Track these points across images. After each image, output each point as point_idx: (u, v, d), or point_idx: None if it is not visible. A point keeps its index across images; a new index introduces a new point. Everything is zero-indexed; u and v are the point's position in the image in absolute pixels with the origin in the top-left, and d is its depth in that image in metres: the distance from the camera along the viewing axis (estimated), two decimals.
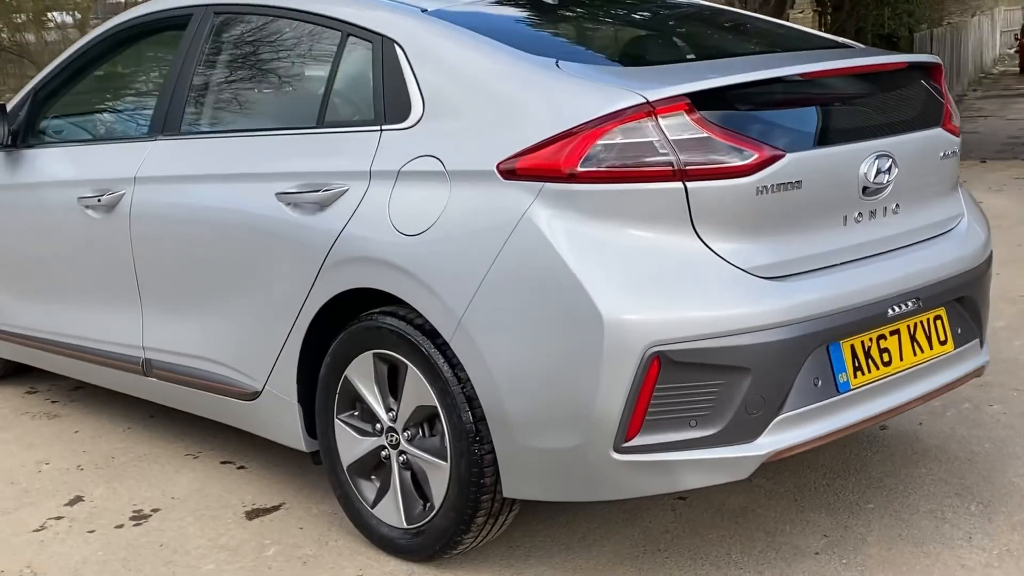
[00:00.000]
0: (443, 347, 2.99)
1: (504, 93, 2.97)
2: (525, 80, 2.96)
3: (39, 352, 4.54)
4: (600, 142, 2.74)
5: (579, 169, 2.75)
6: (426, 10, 3.33)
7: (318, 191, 3.24)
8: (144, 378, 4.01)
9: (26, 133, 4.53)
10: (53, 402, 4.85)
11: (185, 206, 3.70)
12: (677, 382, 2.72)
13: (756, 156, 2.77)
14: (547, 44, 3.25)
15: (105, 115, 4.65)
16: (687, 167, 2.73)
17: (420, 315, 3.03)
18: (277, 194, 3.36)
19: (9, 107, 4.54)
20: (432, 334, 3.01)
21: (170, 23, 4.15)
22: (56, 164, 4.35)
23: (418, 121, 3.11)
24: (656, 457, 2.76)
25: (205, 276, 3.66)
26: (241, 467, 4.01)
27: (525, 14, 3.69)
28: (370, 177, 3.15)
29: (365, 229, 3.12)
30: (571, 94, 2.85)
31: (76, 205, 4.09)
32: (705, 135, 2.75)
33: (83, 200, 4.06)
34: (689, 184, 2.74)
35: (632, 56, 3.41)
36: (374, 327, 3.15)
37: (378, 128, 3.20)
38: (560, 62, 2.98)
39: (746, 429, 2.78)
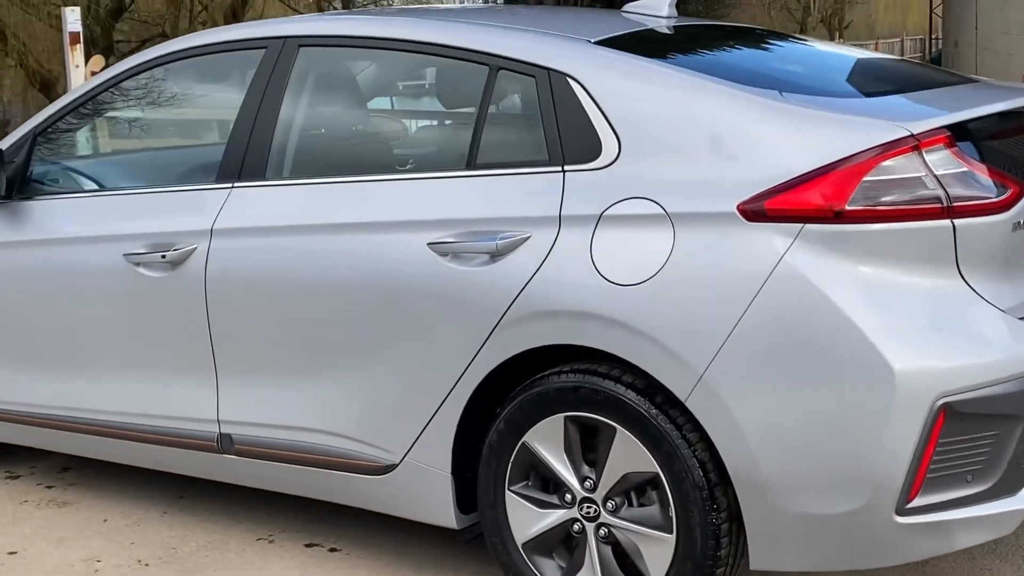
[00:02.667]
0: (664, 406, 2.72)
1: (727, 127, 2.75)
2: (753, 113, 2.74)
3: (49, 432, 3.95)
4: (867, 178, 2.56)
5: (846, 208, 2.56)
6: (595, 41, 3.07)
7: (492, 239, 2.92)
8: (219, 456, 3.53)
9: (23, 182, 3.94)
10: (48, 487, 4.24)
11: (289, 261, 3.28)
12: (959, 435, 2.56)
13: (1011, 191, 2.65)
14: (751, 75, 3.03)
15: (133, 161, 4.12)
16: (954, 203, 2.58)
17: (631, 372, 2.75)
18: (430, 244, 3.01)
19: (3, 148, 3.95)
20: (647, 393, 2.74)
21: (226, 55, 3.71)
22: (81, 217, 3.81)
23: (614, 160, 2.85)
24: (936, 517, 2.59)
25: (319, 340, 3.25)
26: (333, 549, 3.59)
27: (691, 45, 3.47)
28: (560, 222, 2.85)
29: (561, 279, 2.83)
30: (823, 127, 2.66)
31: (120, 263, 3.58)
32: (966, 169, 2.62)
33: (133, 257, 3.55)
34: (956, 221, 2.59)
35: (848, 88, 3.23)
36: (569, 387, 2.85)
37: (558, 169, 2.91)
38: (784, 93, 2.79)
39: (1013, 481, 2.64)
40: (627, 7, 3.61)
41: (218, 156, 3.67)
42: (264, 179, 3.42)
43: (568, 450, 2.91)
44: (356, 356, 3.19)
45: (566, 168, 2.91)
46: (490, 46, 3.12)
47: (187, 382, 3.55)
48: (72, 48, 10.83)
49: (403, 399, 3.13)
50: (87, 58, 10.91)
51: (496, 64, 3.09)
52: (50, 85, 22.04)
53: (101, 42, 20.13)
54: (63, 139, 4.06)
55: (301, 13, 33.98)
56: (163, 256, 3.48)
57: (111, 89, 3.88)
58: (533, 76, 3.02)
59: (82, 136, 4.05)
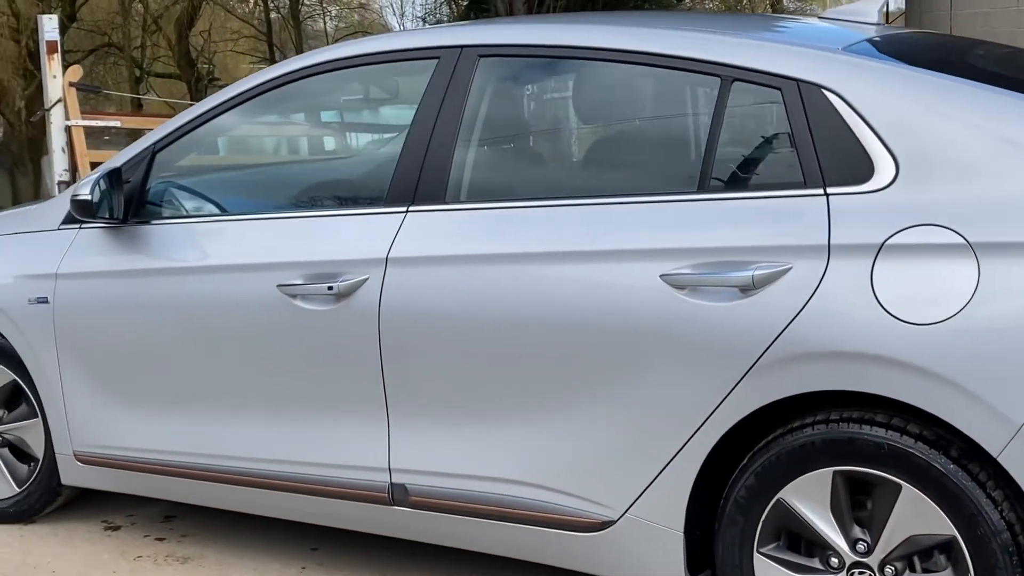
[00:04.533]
0: (962, 461, 2.42)
1: None
2: None
3: (170, 480, 3.56)
4: None
5: None
6: (844, 47, 2.76)
7: (746, 271, 2.59)
8: (389, 508, 3.16)
9: (139, 204, 3.56)
10: (159, 539, 3.85)
11: (481, 293, 2.93)
12: None
13: None
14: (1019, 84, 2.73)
15: (271, 180, 3.73)
16: None
17: (917, 422, 2.45)
18: (663, 276, 2.68)
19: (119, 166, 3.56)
20: (940, 445, 2.43)
21: (387, 66, 3.35)
22: (218, 244, 3.43)
23: (891, 183, 2.54)
24: None
25: (520, 381, 2.91)
26: None
27: (935, 52, 3.17)
28: (829, 252, 2.53)
29: (836, 317, 2.51)
30: None
31: (272, 295, 3.21)
32: None
33: (289, 288, 3.19)
34: None
35: None
36: (842, 439, 2.53)
37: (819, 192, 2.60)
38: None
39: None
40: (829, 12, 3.30)
41: (377, 176, 3.33)
42: (444, 202, 3.07)
43: (835, 508, 2.59)
44: (566, 400, 2.85)
45: (829, 191, 2.59)
46: (722, 55, 2.80)
47: (351, 426, 3.19)
48: (49, 58, 10.34)
49: (625, 448, 2.80)
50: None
51: (730, 75, 2.77)
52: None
53: None
54: (187, 157, 3.67)
55: (254, 26, 33.59)
56: (329, 288, 3.11)
57: (246, 103, 3.50)
58: (778, 88, 2.71)
59: (210, 153, 3.65)
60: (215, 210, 3.62)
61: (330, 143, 3.74)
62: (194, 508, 3.75)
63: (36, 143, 22.13)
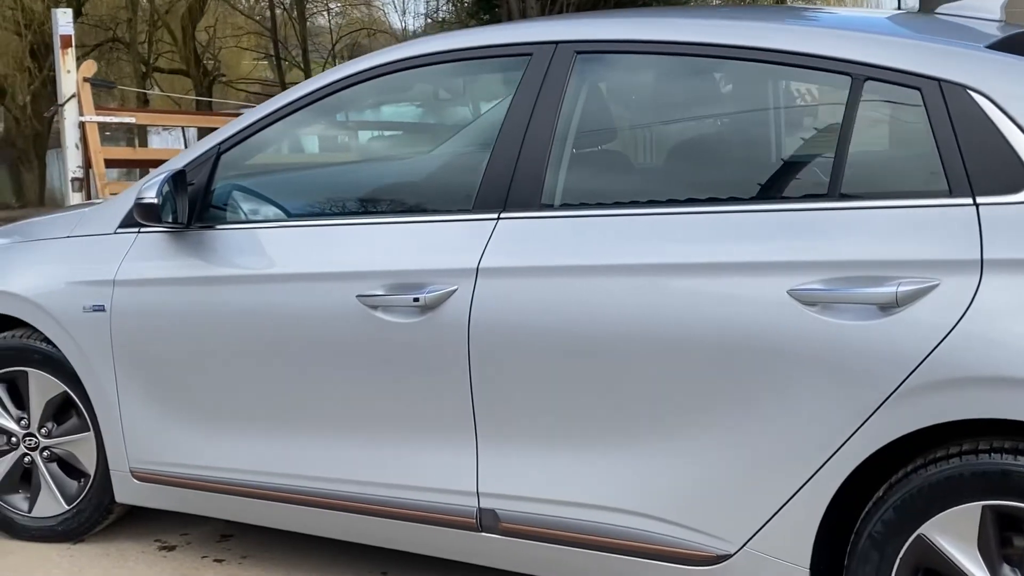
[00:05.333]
0: None
1: None
2: None
3: (232, 499, 3.35)
4: None
5: None
6: (988, 45, 2.56)
7: (888, 287, 2.39)
8: (476, 534, 2.96)
9: (203, 208, 3.35)
10: (218, 560, 3.65)
11: (585, 308, 2.73)
12: None
13: None
14: None
15: (345, 184, 3.53)
16: None
17: None
18: (791, 291, 2.48)
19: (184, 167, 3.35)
20: None
21: (471, 63, 3.15)
22: (290, 251, 3.23)
23: None
24: None
25: (625, 403, 2.71)
26: None
27: None
28: (982, 267, 2.34)
29: (992, 339, 2.32)
30: None
31: (352, 306, 3.01)
32: None
33: (370, 299, 2.98)
34: None
35: None
36: (995, 471, 2.33)
37: (967, 202, 2.40)
38: None
39: None
40: (945, 8, 3.10)
41: (462, 180, 3.12)
42: (539, 209, 2.87)
43: (983, 545, 2.39)
44: (680, 423, 2.65)
45: (979, 201, 2.39)
46: (854, 52, 2.60)
47: (435, 447, 2.99)
48: (63, 52, 10.17)
49: (746, 477, 2.60)
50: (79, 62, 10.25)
51: (863, 74, 2.57)
52: (2, 90, 21.22)
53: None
54: (254, 158, 3.46)
55: (257, 21, 33.34)
56: (415, 299, 2.91)
57: (318, 102, 3.29)
58: (917, 88, 2.51)
59: (279, 155, 3.45)
60: (284, 214, 3.42)
61: (407, 144, 3.52)
62: (250, 527, 3.56)
63: (41, 138, 21.94)
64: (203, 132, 25.20)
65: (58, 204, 19.98)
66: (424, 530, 3.04)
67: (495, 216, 2.90)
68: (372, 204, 3.41)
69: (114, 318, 3.41)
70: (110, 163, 10.88)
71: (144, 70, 26.41)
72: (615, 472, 2.75)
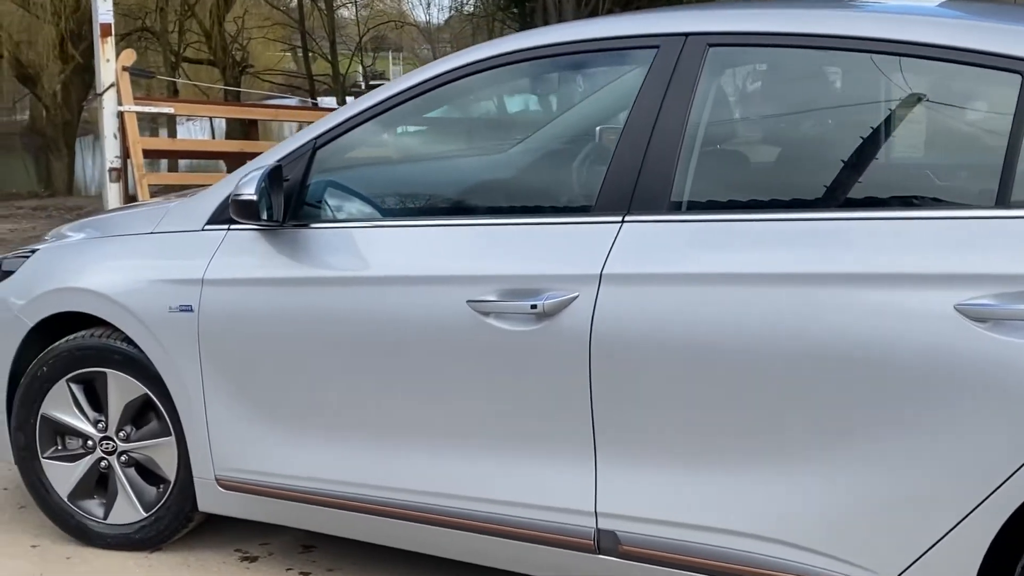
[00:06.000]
0: None
1: None
2: None
3: (332, 512, 3.20)
4: None
5: None
6: None
7: None
8: (592, 556, 2.80)
9: (297, 205, 3.20)
10: (304, 573, 3.50)
11: (723, 318, 2.57)
12: None
13: None
14: None
15: (452, 183, 3.37)
16: None
17: None
18: (958, 306, 2.31)
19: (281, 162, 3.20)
20: None
21: (593, 55, 2.98)
22: (393, 252, 3.07)
23: None
24: None
25: (765, 420, 2.55)
26: None
27: None
28: None
29: None
30: None
31: (462, 312, 2.86)
32: None
33: (481, 305, 2.82)
34: None
35: None
36: None
37: None
38: None
39: None
40: None
41: (581, 179, 2.96)
42: (668, 212, 2.71)
43: None
44: (828, 444, 2.49)
45: None
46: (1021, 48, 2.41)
47: (550, 462, 2.84)
48: (103, 40, 10.05)
49: (901, 506, 2.43)
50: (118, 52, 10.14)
51: None
52: (33, 79, 21.16)
53: (87, 36, 19.20)
54: (354, 153, 3.30)
55: (285, 12, 33.17)
56: (533, 306, 2.74)
57: (423, 95, 3.13)
58: None
59: (380, 150, 3.29)
60: (383, 213, 3.26)
61: (518, 140, 3.35)
62: (331, 537, 3.39)
63: (71, 127, 21.87)
64: (232, 123, 25.10)
65: (86, 194, 19.92)
66: (535, 550, 2.88)
67: (619, 218, 2.74)
68: (480, 204, 3.24)
69: (202, 319, 3.26)
70: (148, 153, 10.78)
71: (174, 60, 26.33)
72: (749, 495, 2.58)
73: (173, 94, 24.33)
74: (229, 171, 15.14)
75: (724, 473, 2.61)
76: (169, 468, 3.50)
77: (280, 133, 28.93)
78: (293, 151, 3.24)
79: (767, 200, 2.71)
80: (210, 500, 3.39)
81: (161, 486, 3.54)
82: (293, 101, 29.41)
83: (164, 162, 16.79)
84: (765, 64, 2.81)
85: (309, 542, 3.65)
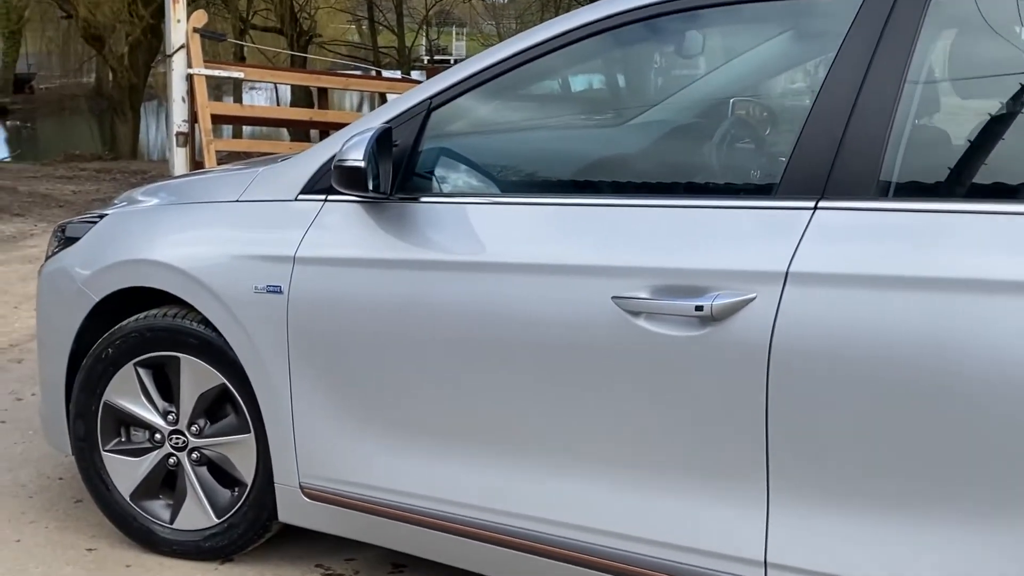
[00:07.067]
0: None
1: None
2: None
3: (438, 536, 2.74)
4: None
5: None
6: None
7: None
8: None
9: (406, 175, 2.72)
10: None
11: (962, 334, 2.06)
12: None
13: None
14: None
15: (591, 156, 2.88)
16: None
17: None
18: None
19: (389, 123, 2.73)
20: None
21: (760, 5, 2.46)
22: (519, 235, 2.59)
23: None
24: None
25: (1009, 460, 2.02)
26: None
27: None
28: None
29: None
30: None
31: (606, 310, 2.38)
32: None
33: (630, 303, 2.34)
34: None
35: None
36: None
37: None
38: None
39: None
40: None
41: (759, 154, 2.45)
42: (875, 198, 2.21)
43: None
44: None
45: None
46: None
47: (706, 497, 2.36)
48: (174, 1, 9.72)
49: None
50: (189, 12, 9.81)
51: None
52: (101, 40, 20.95)
53: None
54: (474, 117, 2.83)
55: None
56: (698, 308, 2.25)
57: (558, 51, 2.64)
58: None
59: (504, 115, 2.81)
60: (507, 188, 2.78)
61: (674, 105, 2.84)
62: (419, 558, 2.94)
63: (136, 91, 21.67)
64: (297, 92, 24.82)
65: (150, 159, 19.72)
66: None
67: (811, 204, 2.24)
68: (627, 180, 2.74)
69: (292, 302, 2.81)
70: (215, 119, 10.43)
71: (241, 26, 26.06)
72: (991, 550, 2.07)
73: (241, 60, 24.08)
74: (292, 140, 14.81)
75: (949, 526, 2.11)
76: (246, 469, 3.06)
77: (342, 104, 28.62)
78: (404, 112, 2.78)
79: (1011, 185, 2.19)
80: (292, 511, 2.95)
81: (236, 489, 3.11)
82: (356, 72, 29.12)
83: (227, 129, 16.46)
84: (1012, 7, 2.26)
85: (399, 560, 3.20)
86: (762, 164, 2.37)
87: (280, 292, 2.83)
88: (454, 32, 47.59)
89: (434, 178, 2.78)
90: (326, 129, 12.53)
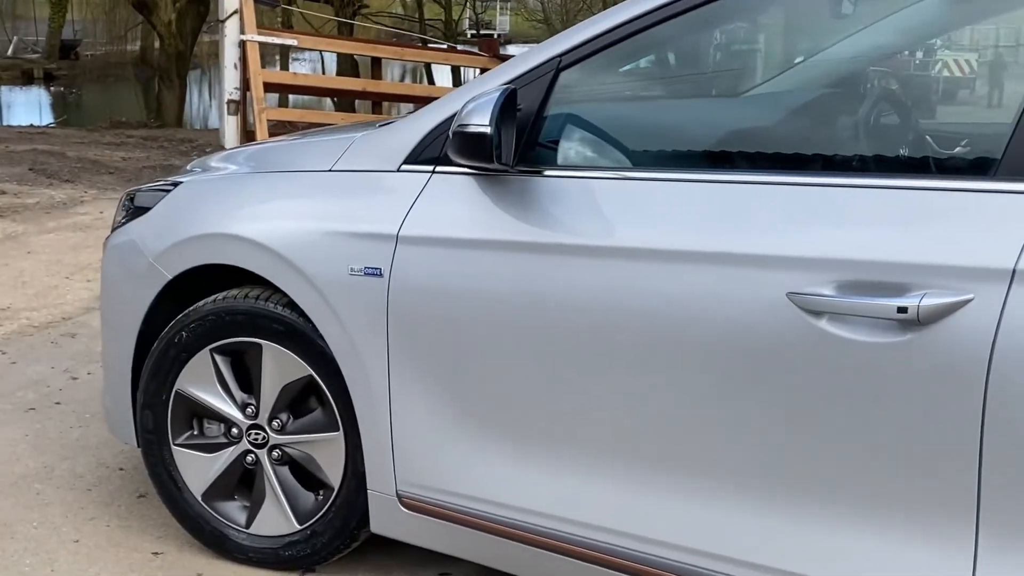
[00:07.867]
0: None
1: None
2: None
3: (557, 560, 2.37)
4: None
5: None
6: None
7: None
8: None
9: (529, 144, 2.35)
10: None
11: None
12: None
13: None
14: None
15: (743, 120, 2.49)
16: None
17: None
18: None
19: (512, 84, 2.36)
20: None
21: None
22: (668, 216, 2.22)
23: None
24: None
25: None
26: None
27: None
28: None
29: None
30: None
31: (778, 307, 2.00)
32: None
33: (808, 300, 1.98)
34: None
35: None
36: None
37: None
38: None
39: None
40: None
41: (970, 122, 2.08)
42: None
43: None
44: None
45: None
46: None
47: (894, 532, 1.98)
48: None
49: None
50: None
51: None
52: (148, 6, 20.68)
53: None
54: (610, 79, 2.45)
55: None
56: (901, 309, 1.87)
57: (714, 2, 2.25)
58: None
59: (648, 77, 2.43)
60: (646, 161, 2.41)
61: (846, 63, 2.45)
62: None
63: (183, 58, 21.42)
64: (344, 62, 24.48)
65: (195, 127, 19.48)
66: None
67: (1007, 182, 1.85)
68: (796, 152, 2.33)
69: (394, 286, 2.46)
70: (267, 87, 10.14)
71: None
72: None
73: (288, 27, 23.81)
74: (337, 110, 14.43)
75: None
76: (333, 471, 2.73)
77: (387, 75, 28.29)
78: (527, 72, 2.41)
79: None
80: (387, 522, 2.61)
81: (321, 493, 2.78)
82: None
83: (271, 98, 16.15)
84: None
85: (446, 568, 2.85)
86: (975, 137, 1.99)
87: (379, 275, 2.48)
88: (498, 7, 47.27)
89: (559, 148, 2.42)
90: (377, 100, 12.19)
